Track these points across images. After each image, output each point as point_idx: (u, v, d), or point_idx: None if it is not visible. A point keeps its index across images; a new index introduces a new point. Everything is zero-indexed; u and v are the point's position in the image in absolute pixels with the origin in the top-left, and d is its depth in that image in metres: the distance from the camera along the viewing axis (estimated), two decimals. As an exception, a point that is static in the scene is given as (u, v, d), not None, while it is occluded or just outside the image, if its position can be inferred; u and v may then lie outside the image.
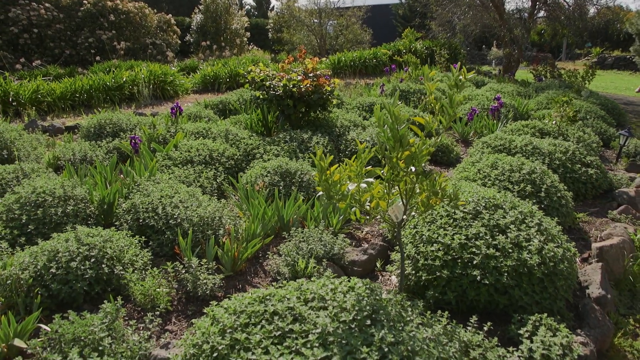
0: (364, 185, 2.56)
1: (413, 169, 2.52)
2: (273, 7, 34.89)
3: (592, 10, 22.57)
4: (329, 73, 7.20)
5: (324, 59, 17.36)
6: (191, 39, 30.08)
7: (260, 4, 60.31)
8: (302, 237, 3.82)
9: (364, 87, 11.45)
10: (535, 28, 21.25)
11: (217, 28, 30.68)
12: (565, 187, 5.01)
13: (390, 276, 3.73)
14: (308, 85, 6.62)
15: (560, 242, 3.44)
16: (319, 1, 28.84)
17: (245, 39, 32.25)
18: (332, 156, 2.63)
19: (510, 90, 10.91)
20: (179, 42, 28.37)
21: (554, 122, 6.64)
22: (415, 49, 16.81)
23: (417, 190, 2.66)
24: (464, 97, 8.31)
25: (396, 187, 2.68)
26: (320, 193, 2.63)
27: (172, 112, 6.93)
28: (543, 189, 4.58)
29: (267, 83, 6.81)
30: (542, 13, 18.98)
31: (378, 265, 3.84)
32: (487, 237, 3.22)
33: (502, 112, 8.28)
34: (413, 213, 2.84)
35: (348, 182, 2.59)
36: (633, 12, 31.53)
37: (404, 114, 2.43)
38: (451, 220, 3.43)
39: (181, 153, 5.57)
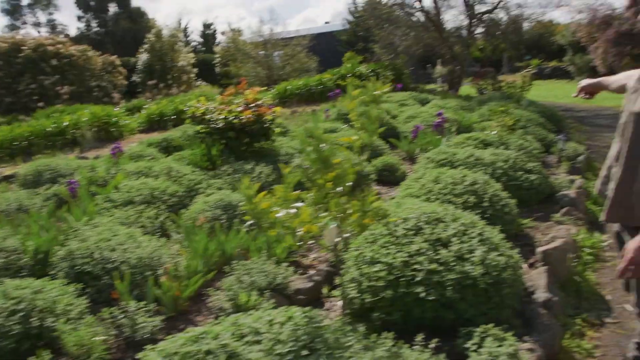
0: (295, 210, 2.50)
1: (341, 189, 2.47)
2: (219, 42, 34.97)
3: (526, 25, 23.39)
4: (272, 102, 7.17)
5: (271, 89, 17.42)
6: (138, 79, 29.75)
7: (206, 39, 60.43)
8: (245, 270, 3.71)
9: (309, 113, 11.47)
10: (475, 44, 21.87)
11: (164, 66, 30.44)
12: (509, 195, 5.05)
13: (336, 302, 3.65)
14: (249, 115, 6.57)
15: (503, 250, 3.43)
16: (264, 33, 29.00)
17: (193, 75, 32.12)
18: (260, 183, 2.56)
19: (454, 105, 11.11)
20: (126, 82, 28.05)
21: (494, 133, 6.75)
22: (360, 73, 17.02)
23: (349, 211, 2.60)
24: (408, 115, 8.36)
25: (330, 210, 2.63)
26: (250, 222, 2.55)
27: (112, 153, 6.76)
28: (486, 199, 4.61)
29: (208, 116, 6.73)
30: (479, 30, 19.58)
31: (324, 291, 3.75)
32: (430, 252, 3.18)
33: (446, 126, 8.39)
34: (347, 234, 2.78)
35: (278, 208, 2.52)
36: (562, 25, 32.95)
37: (326, 135, 2.39)
38: (393, 239, 3.38)
39: (122, 194, 5.40)
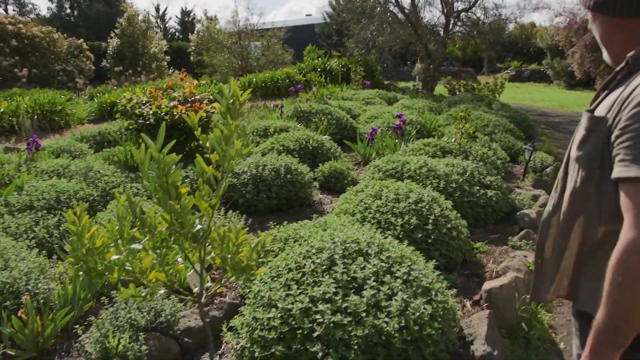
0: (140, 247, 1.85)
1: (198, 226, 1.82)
2: (197, 30, 33.99)
3: (511, 26, 23.04)
4: (211, 97, 6.48)
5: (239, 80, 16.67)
6: (107, 65, 28.83)
7: (185, 27, 59.30)
8: (125, 300, 3.04)
9: (265, 109, 10.78)
10: (453, 43, 21.38)
11: (135, 52, 29.55)
12: (460, 215, 4.46)
13: (235, 344, 3.00)
14: (184, 111, 5.88)
15: (435, 292, 2.81)
16: (239, 23, 28.22)
17: (165, 63, 31.22)
18: (87, 215, 1.89)
19: (422, 105, 10.51)
20: (94, 67, 27.04)
21: (453, 140, 6.15)
22: (331, 67, 16.33)
23: (213, 254, 1.96)
24: (369, 115, 7.73)
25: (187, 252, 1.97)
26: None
27: (27, 148, 6.01)
28: (431, 220, 3.98)
29: (138, 111, 6.02)
30: (457, 28, 19.05)
31: (224, 328, 3.10)
32: (337, 298, 2.54)
33: (407, 130, 7.78)
34: (226, 279, 2.14)
35: (116, 248, 1.87)
36: (542, 28, 32.80)
37: (172, 156, 1.73)
38: (299, 275, 2.75)
39: (23, 197, 4.69)
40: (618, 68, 1.52)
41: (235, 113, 1.72)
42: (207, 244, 1.94)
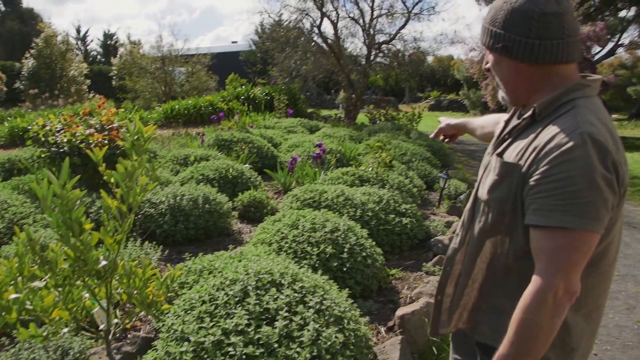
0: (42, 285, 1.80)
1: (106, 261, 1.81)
2: (120, 54, 33.23)
3: (429, 58, 24.06)
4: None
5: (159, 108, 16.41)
6: (22, 86, 27.59)
7: (107, 50, 57.85)
8: (29, 340, 2.91)
9: (187, 137, 10.69)
10: (376, 73, 22.06)
11: (52, 75, 28.50)
12: (376, 243, 4.58)
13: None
14: (100, 140, 5.74)
15: (348, 320, 2.88)
16: (163, 48, 27.89)
17: (85, 86, 30.31)
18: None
19: (343, 134, 10.74)
20: (5, 89, 25.85)
21: (370, 169, 6.34)
22: (255, 95, 16.43)
23: (120, 290, 1.94)
24: (291, 144, 7.80)
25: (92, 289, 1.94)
26: None
27: None
28: (346, 249, 4.08)
29: (51, 139, 5.82)
30: (379, 59, 19.70)
31: (138, 365, 3.04)
32: (250, 330, 2.56)
33: (327, 158, 7.94)
34: (135, 314, 2.12)
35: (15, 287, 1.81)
36: (459, 60, 34.52)
37: (76, 192, 1.72)
38: (213, 307, 2.75)
39: None
40: (525, 116, 1.56)
41: (140, 149, 1.74)
42: (114, 279, 1.92)
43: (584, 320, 1.54)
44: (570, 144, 1.34)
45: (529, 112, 1.54)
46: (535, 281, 1.38)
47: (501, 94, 1.67)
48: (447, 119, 2.40)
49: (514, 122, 1.66)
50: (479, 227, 1.65)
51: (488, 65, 1.64)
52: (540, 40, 1.45)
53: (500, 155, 1.60)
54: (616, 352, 3.90)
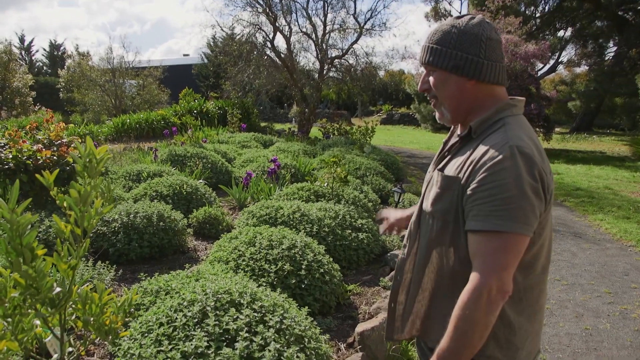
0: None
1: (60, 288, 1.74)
2: (67, 65, 32.32)
3: (381, 73, 24.42)
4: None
5: (109, 122, 16.05)
6: (-39, 99, 26.56)
7: (54, 61, 56.28)
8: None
9: (139, 152, 10.49)
10: (329, 87, 22.24)
11: (-6, 86, 27.53)
12: (333, 259, 4.60)
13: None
14: (49, 156, 5.56)
15: (309, 339, 2.87)
16: (113, 60, 27.36)
17: (30, 98, 29.39)
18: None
19: (297, 149, 10.76)
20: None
21: (326, 184, 6.36)
22: (208, 110, 16.28)
23: (74, 317, 1.87)
24: (245, 159, 7.74)
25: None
26: None
27: None
28: (304, 266, 4.07)
29: (-5, 154, 5.60)
30: (332, 73, 19.88)
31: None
32: (210, 352, 2.52)
33: (282, 173, 7.92)
34: (90, 341, 2.04)
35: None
36: (410, 75, 35.23)
37: (26, 216, 1.65)
38: (171, 330, 2.69)
39: None
40: (462, 134, 1.68)
41: (93, 171, 1.69)
42: (69, 305, 1.85)
43: (527, 321, 1.66)
44: (501, 156, 1.47)
45: (466, 131, 1.67)
46: (471, 280, 1.49)
47: (440, 113, 1.78)
48: (393, 212, 2.42)
49: (453, 140, 1.79)
50: (426, 239, 1.75)
51: (426, 86, 1.74)
52: (488, 61, 1.61)
53: (442, 170, 1.71)
54: (567, 360, 4.01)
